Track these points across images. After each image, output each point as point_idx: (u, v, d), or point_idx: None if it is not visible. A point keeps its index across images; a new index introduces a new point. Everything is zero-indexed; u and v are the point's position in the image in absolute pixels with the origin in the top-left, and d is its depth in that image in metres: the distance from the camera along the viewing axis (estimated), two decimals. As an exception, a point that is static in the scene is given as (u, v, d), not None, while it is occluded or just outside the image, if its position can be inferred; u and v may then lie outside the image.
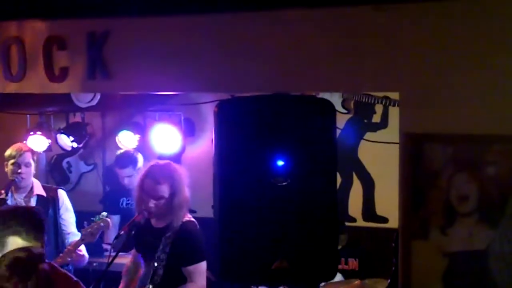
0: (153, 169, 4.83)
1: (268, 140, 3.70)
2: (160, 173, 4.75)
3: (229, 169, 3.74)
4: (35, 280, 3.55)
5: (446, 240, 3.57)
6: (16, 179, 5.66)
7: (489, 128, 3.48)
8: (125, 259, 5.34)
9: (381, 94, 6.10)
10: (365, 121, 6.70)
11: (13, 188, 5.71)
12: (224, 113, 3.76)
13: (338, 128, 5.00)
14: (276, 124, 3.71)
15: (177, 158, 6.53)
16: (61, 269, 3.88)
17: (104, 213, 5.68)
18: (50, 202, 5.77)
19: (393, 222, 5.33)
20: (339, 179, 5.96)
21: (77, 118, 7.18)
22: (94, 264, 6.11)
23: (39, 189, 5.80)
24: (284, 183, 3.68)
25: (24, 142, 6.27)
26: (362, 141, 6.73)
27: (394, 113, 6.35)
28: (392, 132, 6.01)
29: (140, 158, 6.86)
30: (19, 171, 5.66)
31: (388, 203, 6.17)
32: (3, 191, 5.65)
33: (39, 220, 3.77)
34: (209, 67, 4.07)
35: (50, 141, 6.73)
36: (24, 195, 5.75)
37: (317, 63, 3.84)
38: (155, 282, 4.66)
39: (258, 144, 3.70)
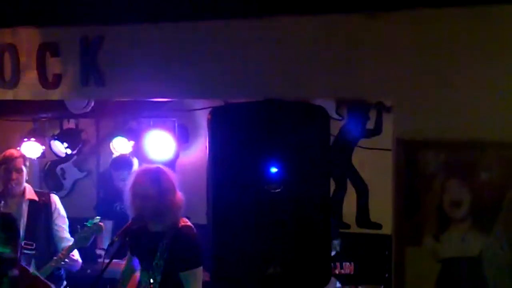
0: (141, 172, 4.84)
1: (262, 147, 3.70)
2: (148, 175, 4.76)
3: (222, 176, 3.74)
4: (7, 285, 3.54)
5: (439, 246, 3.58)
6: (9, 185, 5.65)
7: (482, 134, 3.49)
8: (118, 266, 5.32)
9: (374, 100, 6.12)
10: (359, 127, 6.70)
11: (4, 193, 5.70)
12: (217, 119, 3.76)
13: (332, 134, 5.01)
14: (269, 131, 3.71)
15: (171, 164, 6.51)
16: (33, 274, 3.86)
17: (98, 218, 5.66)
18: (42, 207, 5.75)
19: (387, 228, 5.33)
20: (333, 186, 5.96)
21: (71, 124, 7.17)
22: (88, 270, 6.09)
23: (31, 194, 5.79)
24: (277, 190, 3.68)
25: (18, 148, 6.25)
26: (356, 148, 6.73)
27: (388, 119, 6.35)
28: (386, 138, 6.01)
29: (135, 162, 6.86)
30: (11, 177, 5.65)
31: (382, 209, 6.16)
32: (-6, 197, 5.65)
33: (9, 225, 3.74)
34: (203, 74, 4.07)
35: (44, 147, 6.72)
36: (15, 200, 5.74)
37: (311, 70, 3.85)
38: (152, 289, 4.66)
39: (251, 151, 3.70)
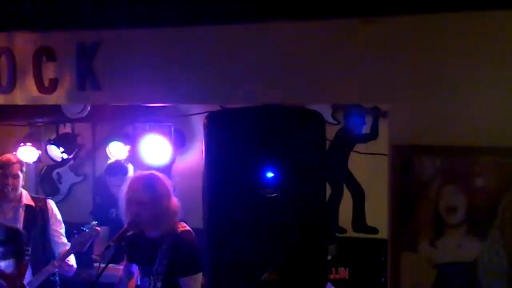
0: (135, 179, 4.85)
1: (258, 151, 3.71)
2: (142, 181, 4.77)
3: (218, 180, 3.74)
4: None
5: (435, 251, 3.58)
6: (5, 190, 5.64)
7: (477, 140, 3.49)
8: (114, 271, 5.31)
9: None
10: (355, 132, 6.69)
11: (1, 198, 5.69)
12: (214, 124, 3.76)
13: (328, 139, 5.01)
14: (265, 136, 3.71)
15: (167, 169, 6.51)
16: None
17: (95, 222, 5.67)
18: (38, 213, 5.75)
19: (383, 233, 5.32)
20: (329, 190, 5.95)
21: (67, 129, 7.15)
22: (83, 275, 6.08)
23: (27, 200, 5.79)
24: (273, 195, 3.69)
25: (14, 153, 6.25)
26: (352, 152, 6.72)
27: (384, 124, 6.35)
28: (382, 143, 6.01)
29: (130, 168, 6.85)
30: (7, 182, 5.65)
31: (378, 214, 6.14)
32: (-9, 202, 5.64)
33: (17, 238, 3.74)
34: (199, 79, 4.07)
35: (40, 152, 6.71)
36: (12, 205, 5.73)
37: (308, 75, 3.85)
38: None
39: (247, 156, 3.71)
